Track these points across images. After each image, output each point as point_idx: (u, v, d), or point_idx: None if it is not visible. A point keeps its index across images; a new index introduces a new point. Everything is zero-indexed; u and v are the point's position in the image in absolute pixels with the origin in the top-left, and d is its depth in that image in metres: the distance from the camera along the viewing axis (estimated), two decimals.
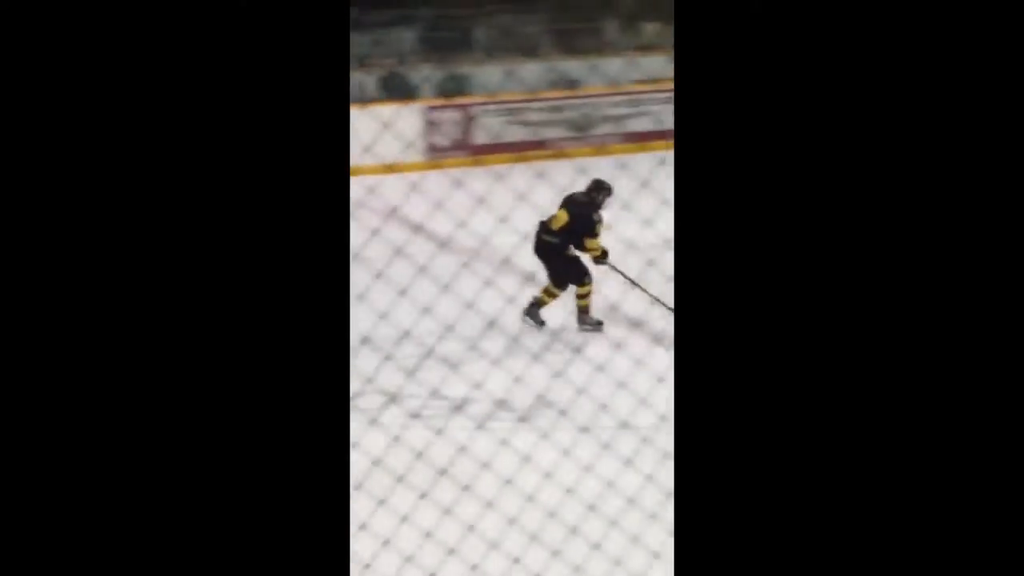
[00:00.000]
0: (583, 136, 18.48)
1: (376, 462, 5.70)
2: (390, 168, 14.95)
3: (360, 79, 17.33)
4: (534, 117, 18.51)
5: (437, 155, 17.28)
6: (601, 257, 9.98)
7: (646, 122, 18.92)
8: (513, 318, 9.71)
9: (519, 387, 8.28)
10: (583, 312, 9.99)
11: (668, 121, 18.89)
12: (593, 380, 8.27)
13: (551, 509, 6.21)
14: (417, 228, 12.37)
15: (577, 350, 9.31)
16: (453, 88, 19.20)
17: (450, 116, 17.79)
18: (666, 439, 7.32)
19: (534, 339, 9.45)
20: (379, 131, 14.16)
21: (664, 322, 9.83)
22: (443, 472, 6.64)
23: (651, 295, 9.88)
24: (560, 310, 10.23)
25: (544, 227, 10.00)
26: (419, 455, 7.02)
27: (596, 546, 5.93)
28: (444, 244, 12.07)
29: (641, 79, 20.24)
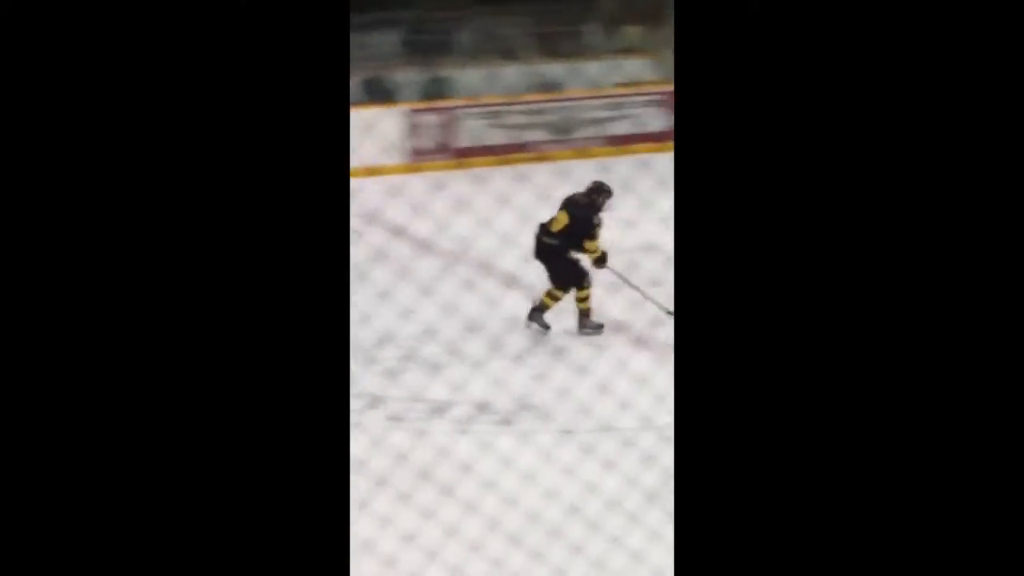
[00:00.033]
0: (565, 139, 18.48)
1: (358, 465, 5.70)
2: (372, 171, 14.95)
3: None
4: (516, 120, 18.51)
5: (419, 158, 17.27)
6: (600, 260, 9.95)
7: (627, 125, 18.93)
8: (494, 320, 9.70)
9: (501, 390, 8.28)
10: (584, 315, 9.87)
11: (650, 124, 18.93)
12: (575, 383, 8.29)
13: (533, 512, 6.22)
14: (399, 231, 12.37)
15: (559, 353, 9.31)
16: (435, 91, 19.19)
17: (432, 119, 17.78)
18: (648, 441, 7.35)
19: (516, 342, 9.45)
20: (361, 134, 14.15)
21: (647, 325, 9.84)
22: (425, 475, 6.65)
23: (654, 300, 9.84)
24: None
25: (544, 229, 9.91)
26: (401, 458, 7.03)
27: (578, 549, 5.93)
28: (426, 247, 12.07)
29: (622, 82, 20.25)
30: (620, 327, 9.87)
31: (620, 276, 10.01)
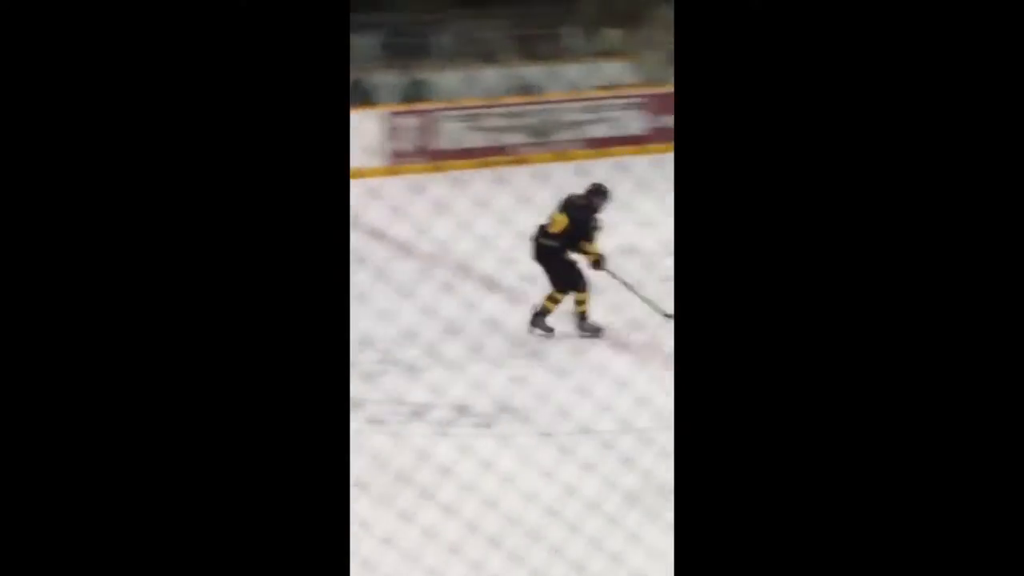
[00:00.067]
0: (543, 142, 18.50)
1: None
2: (350, 174, 14.93)
3: None
4: (495, 123, 18.52)
5: (398, 161, 17.26)
6: (598, 262, 9.89)
7: (606, 128, 18.96)
8: (473, 323, 9.70)
9: (480, 393, 8.28)
10: (582, 318, 9.85)
11: (628, 127, 18.96)
12: (554, 385, 8.30)
13: (512, 515, 6.22)
14: (378, 234, 12.36)
15: (538, 356, 9.31)
16: (414, 94, 19.20)
17: (411, 122, 17.78)
18: (628, 444, 7.36)
19: (495, 345, 9.45)
20: None
21: (626, 328, 9.85)
22: (404, 478, 6.64)
23: (651, 303, 9.83)
24: (519, 315, 10.22)
25: (543, 231, 9.87)
26: (380, 461, 7.02)
27: (557, 551, 5.93)
28: (404, 250, 12.07)
29: (601, 85, 20.28)
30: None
31: (617, 278, 9.99)
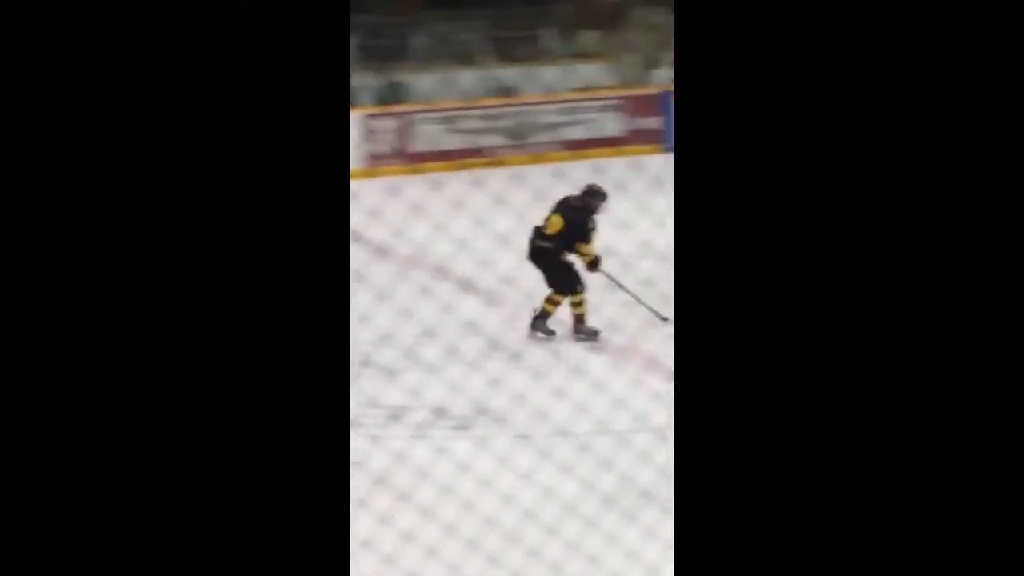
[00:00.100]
0: (520, 144, 18.51)
1: None
2: None
3: None
4: (471, 125, 18.52)
5: (375, 163, 17.24)
6: (594, 263, 9.83)
7: (583, 130, 18.97)
8: (449, 327, 9.69)
9: (457, 395, 8.28)
10: (579, 321, 9.79)
11: (605, 129, 18.97)
12: (532, 387, 8.30)
13: (490, 517, 6.21)
14: (355, 236, 12.34)
15: (515, 358, 9.31)
16: (391, 96, 19.18)
17: (388, 124, 17.76)
18: (605, 446, 7.37)
19: (472, 347, 9.44)
20: None
21: (603, 329, 9.86)
22: (381, 481, 6.63)
23: (647, 305, 9.81)
24: (496, 317, 10.22)
25: (539, 232, 9.80)
26: (357, 464, 7.00)
27: (535, 553, 5.93)
28: (381, 252, 12.05)
29: (578, 87, 20.30)
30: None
31: (614, 280, 9.96)
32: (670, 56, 21.96)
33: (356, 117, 17.40)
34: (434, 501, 6.34)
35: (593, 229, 9.78)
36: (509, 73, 20.66)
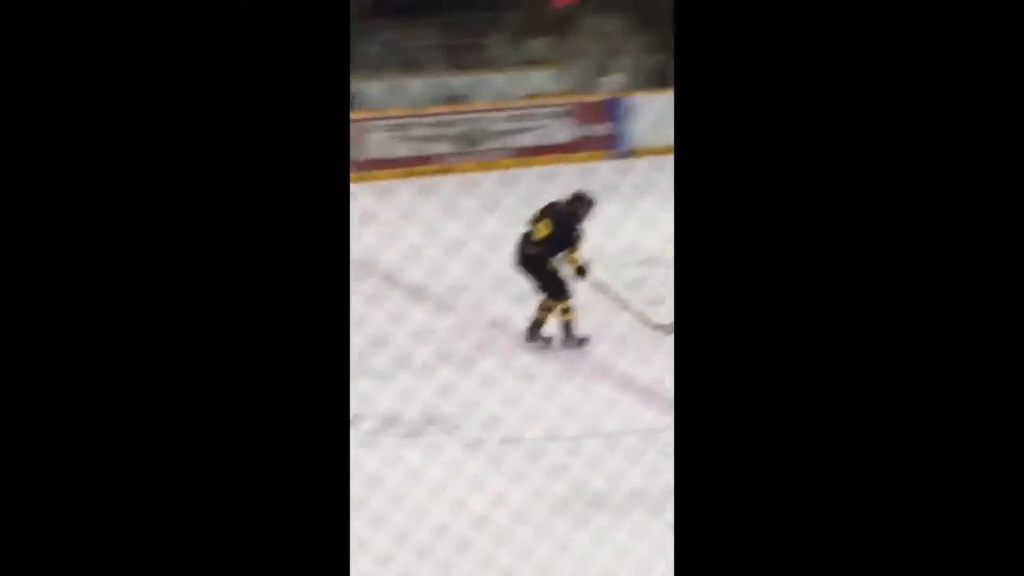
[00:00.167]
0: (470, 151, 18.52)
1: None
2: None
3: None
4: (421, 132, 18.52)
5: None
6: (581, 270, 9.75)
7: (533, 137, 19.01)
8: (400, 334, 9.68)
9: (407, 403, 8.26)
10: (567, 328, 9.75)
11: (556, 136, 19.02)
12: (482, 395, 8.29)
13: (441, 525, 6.21)
14: None
15: (465, 365, 9.31)
16: None
17: None
18: (556, 452, 7.37)
19: (421, 355, 9.43)
20: None
21: (555, 336, 9.86)
22: None
23: (637, 313, 9.79)
24: (446, 324, 10.21)
25: (526, 239, 9.73)
26: None
27: (486, 561, 5.93)
28: None
29: (528, 94, 20.34)
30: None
31: (602, 287, 9.92)
32: (620, 63, 22.06)
33: None
34: (384, 509, 6.33)
35: (580, 236, 9.73)
36: (459, 80, 20.68)
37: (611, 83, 20.59)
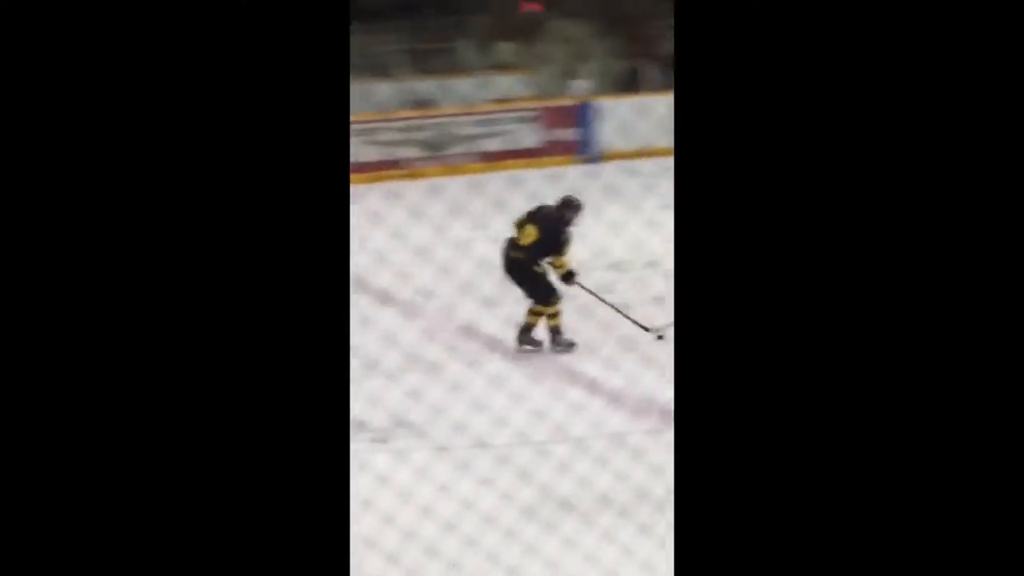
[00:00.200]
0: (437, 156, 18.51)
1: None
2: None
3: None
4: (388, 137, 18.49)
5: None
6: (568, 275, 9.67)
7: (499, 142, 19.01)
8: (368, 339, 9.65)
9: (376, 408, 8.25)
10: (555, 332, 9.66)
11: (522, 140, 19.03)
12: (450, 400, 8.28)
13: (409, 530, 6.19)
14: None
15: (434, 370, 9.29)
16: None
17: None
18: (524, 457, 7.37)
19: (390, 360, 9.41)
20: None
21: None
22: None
23: (631, 319, 9.76)
24: (414, 329, 10.20)
25: (512, 244, 9.63)
26: None
27: (454, 566, 5.92)
28: None
29: (495, 99, 20.35)
30: (494, 343, 9.89)
31: (592, 293, 9.87)
32: (587, 68, 22.10)
33: None
34: (353, 514, 6.31)
35: (568, 241, 9.68)
36: (426, 85, 20.67)
37: (578, 88, 20.61)
